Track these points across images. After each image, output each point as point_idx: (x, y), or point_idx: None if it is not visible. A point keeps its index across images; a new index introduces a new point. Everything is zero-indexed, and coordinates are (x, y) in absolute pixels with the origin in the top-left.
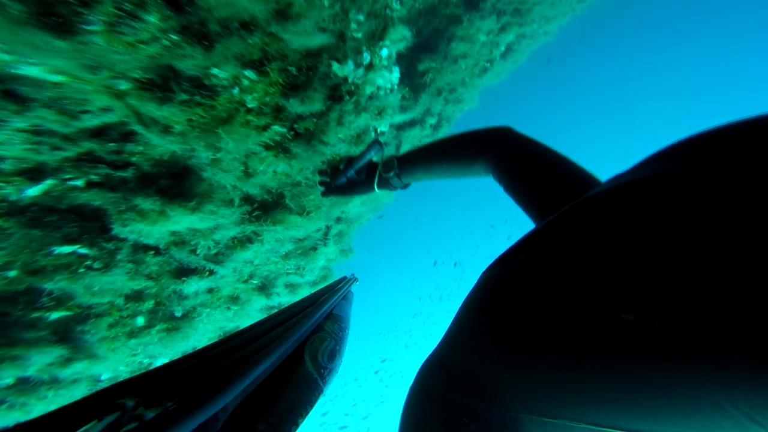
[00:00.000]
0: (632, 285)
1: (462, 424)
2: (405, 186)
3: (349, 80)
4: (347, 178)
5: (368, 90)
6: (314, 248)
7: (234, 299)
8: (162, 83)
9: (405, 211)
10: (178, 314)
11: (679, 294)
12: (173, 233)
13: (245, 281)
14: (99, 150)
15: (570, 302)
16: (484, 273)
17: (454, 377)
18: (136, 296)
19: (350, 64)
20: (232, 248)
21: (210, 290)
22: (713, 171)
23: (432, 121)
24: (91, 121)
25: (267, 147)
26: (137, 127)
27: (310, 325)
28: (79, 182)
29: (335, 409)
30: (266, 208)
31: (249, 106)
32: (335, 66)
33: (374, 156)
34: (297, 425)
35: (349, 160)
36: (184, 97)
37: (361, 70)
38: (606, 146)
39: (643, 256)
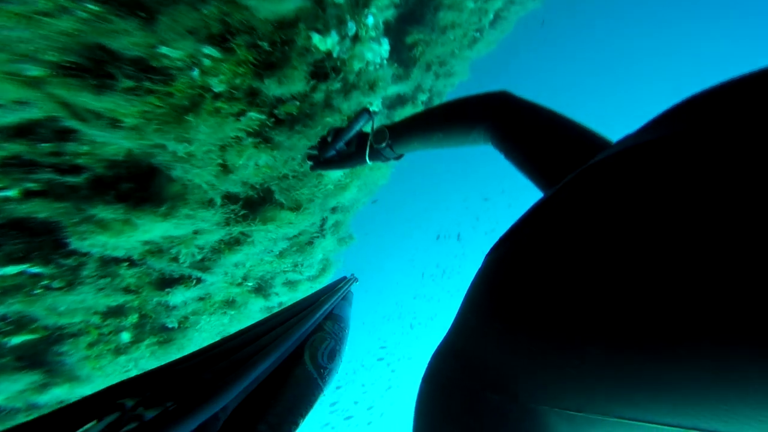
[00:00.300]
0: (649, 262)
1: (477, 415)
2: (398, 157)
3: (334, 55)
4: (336, 150)
5: (356, 66)
6: (311, 243)
7: (229, 303)
8: (94, 67)
9: (400, 191)
10: (171, 325)
11: (705, 274)
12: (146, 243)
13: (239, 284)
14: (29, 153)
15: (578, 284)
16: (489, 253)
17: (465, 366)
18: (116, 311)
19: (334, 36)
20: (219, 252)
21: (201, 298)
22: (710, 136)
23: (423, 97)
24: (6, 118)
25: (246, 135)
26: (72, 123)
27: (310, 325)
28: (12, 192)
29: (345, 398)
30: (253, 205)
31: (216, 90)
32: (316, 38)
33: (364, 126)
34: (297, 425)
35: (338, 131)
36: (129, 83)
37: (347, 42)
38: (604, 112)
39: (659, 232)
